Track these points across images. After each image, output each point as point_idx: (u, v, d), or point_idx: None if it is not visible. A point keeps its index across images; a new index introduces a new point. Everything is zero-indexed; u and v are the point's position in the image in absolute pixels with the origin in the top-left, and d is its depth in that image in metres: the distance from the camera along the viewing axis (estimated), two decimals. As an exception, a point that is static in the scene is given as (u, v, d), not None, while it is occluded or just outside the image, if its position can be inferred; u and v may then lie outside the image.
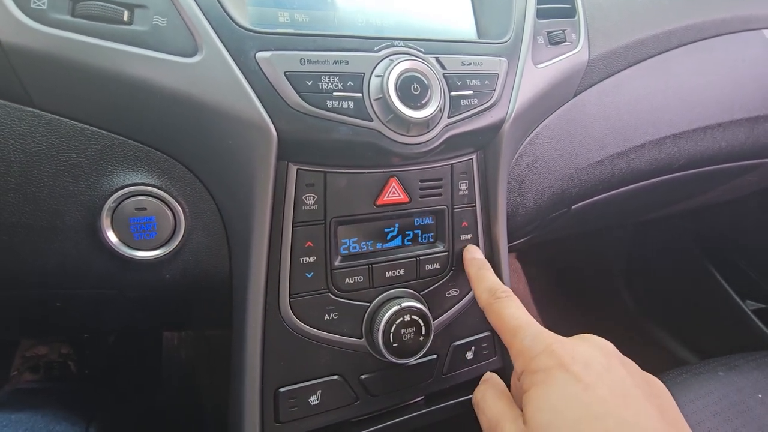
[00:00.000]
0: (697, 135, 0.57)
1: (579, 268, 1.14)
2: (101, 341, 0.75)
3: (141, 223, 0.31)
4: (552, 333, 0.29)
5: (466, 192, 0.38)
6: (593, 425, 0.23)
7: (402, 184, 0.35)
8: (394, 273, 0.36)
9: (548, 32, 0.42)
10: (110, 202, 0.30)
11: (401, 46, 0.33)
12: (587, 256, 1.11)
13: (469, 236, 0.39)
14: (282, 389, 0.34)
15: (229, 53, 0.29)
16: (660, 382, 0.28)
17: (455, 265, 0.39)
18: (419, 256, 0.37)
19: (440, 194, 0.37)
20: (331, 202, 0.33)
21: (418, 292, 0.38)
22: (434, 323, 0.37)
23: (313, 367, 0.35)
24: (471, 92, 0.34)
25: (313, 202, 0.33)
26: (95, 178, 0.30)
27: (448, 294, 0.39)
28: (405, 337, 0.35)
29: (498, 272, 0.41)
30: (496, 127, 0.37)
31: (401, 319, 0.35)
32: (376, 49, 0.32)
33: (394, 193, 0.35)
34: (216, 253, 0.34)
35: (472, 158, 0.38)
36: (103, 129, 0.30)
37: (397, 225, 0.37)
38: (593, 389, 0.25)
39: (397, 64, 0.31)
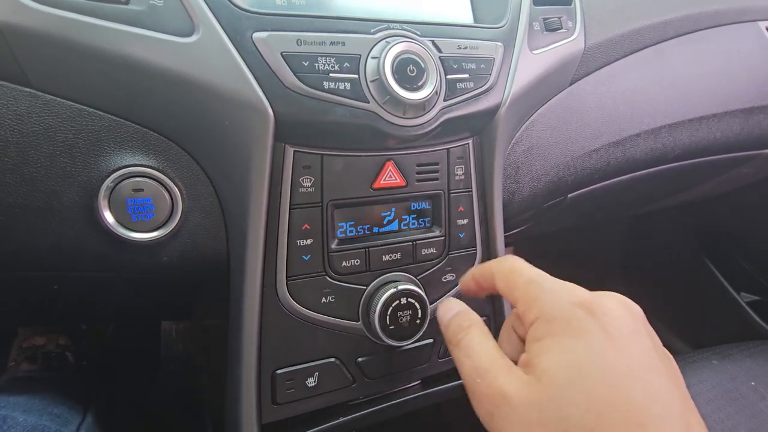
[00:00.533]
0: (692, 125, 0.58)
1: (575, 260, 1.14)
2: (99, 332, 0.75)
3: (138, 204, 0.31)
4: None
5: (463, 177, 0.39)
6: (616, 393, 0.21)
7: (398, 168, 0.36)
8: (390, 257, 0.37)
9: (544, 19, 0.42)
10: (107, 183, 0.30)
11: (397, 28, 0.33)
12: (583, 249, 1.12)
13: (465, 221, 0.40)
14: (279, 371, 0.35)
15: (226, 33, 0.29)
16: (673, 359, 0.25)
17: (451, 249, 0.39)
18: (415, 240, 0.38)
19: (436, 179, 0.37)
20: (327, 185, 0.33)
21: (415, 276, 0.38)
22: (430, 307, 0.37)
23: (311, 349, 0.35)
24: (467, 76, 0.35)
25: (310, 184, 0.33)
26: (92, 159, 0.30)
27: (445, 278, 0.39)
28: (401, 320, 0.35)
29: (494, 257, 0.42)
30: (491, 112, 0.37)
31: (397, 302, 0.35)
32: (372, 31, 0.32)
33: (390, 177, 0.36)
34: (213, 236, 0.34)
35: (468, 143, 0.38)
36: (100, 110, 0.30)
37: (393, 209, 0.37)
38: (622, 353, 0.22)
39: (393, 45, 0.31)
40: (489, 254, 0.42)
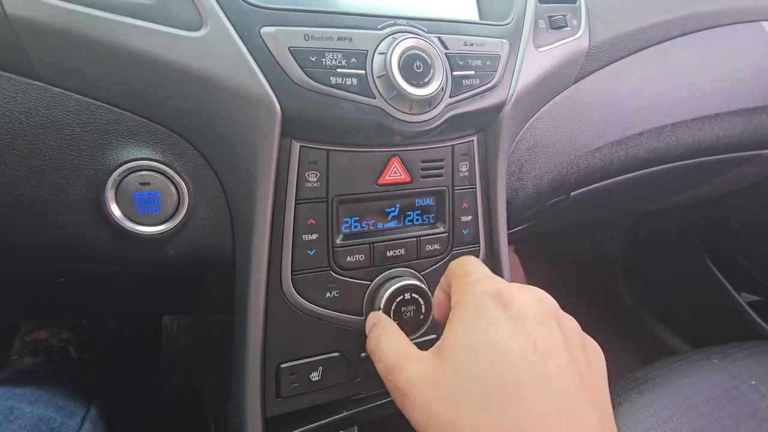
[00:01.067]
0: (695, 125, 0.58)
1: (576, 260, 1.15)
2: (101, 327, 0.75)
3: (145, 197, 0.31)
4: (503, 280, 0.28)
5: (467, 174, 0.39)
6: (507, 371, 0.22)
7: (403, 164, 0.36)
8: (394, 252, 0.37)
9: (549, 16, 0.42)
10: (114, 176, 0.30)
11: (404, 24, 0.33)
12: (585, 249, 1.12)
13: (469, 218, 0.40)
14: (283, 365, 0.35)
15: (234, 28, 0.29)
16: (598, 349, 0.27)
17: (455, 246, 0.39)
18: (420, 236, 0.38)
19: (441, 175, 0.38)
20: (333, 180, 0.34)
21: (419, 272, 0.38)
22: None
23: (315, 344, 0.36)
24: (473, 72, 0.35)
25: (315, 179, 0.33)
26: (100, 153, 0.30)
27: (448, 275, 0.40)
28: (405, 315, 0.36)
29: (498, 254, 0.42)
30: (497, 109, 0.37)
31: (402, 297, 0.35)
32: (379, 27, 0.32)
33: (395, 173, 0.36)
34: (219, 230, 0.34)
35: (472, 140, 0.39)
36: (107, 103, 0.30)
37: (398, 205, 0.37)
38: (521, 333, 0.24)
39: (400, 41, 0.31)
40: (492, 251, 0.42)
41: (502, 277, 0.42)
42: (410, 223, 0.38)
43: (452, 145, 0.37)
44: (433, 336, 0.39)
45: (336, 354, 0.36)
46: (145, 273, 0.38)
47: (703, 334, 0.95)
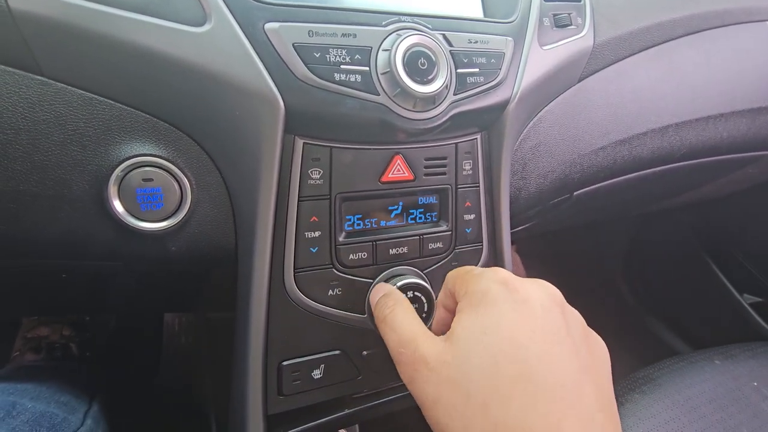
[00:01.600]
0: (699, 125, 0.57)
1: (578, 260, 1.14)
2: (102, 324, 0.75)
3: (148, 194, 0.31)
4: None
5: (470, 172, 0.39)
6: (516, 353, 0.23)
7: (407, 162, 0.36)
8: (397, 251, 0.37)
9: (554, 14, 0.42)
10: (117, 172, 0.30)
11: (409, 21, 0.33)
12: (586, 249, 1.12)
13: (472, 216, 0.40)
14: (285, 363, 0.35)
15: (238, 23, 0.29)
16: (602, 342, 0.28)
17: (458, 244, 0.39)
18: (422, 234, 0.38)
19: (444, 173, 0.37)
20: (336, 178, 0.34)
21: (421, 271, 0.38)
22: (436, 301, 0.37)
23: (317, 341, 0.36)
24: (477, 70, 0.35)
25: (318, 176, 0.33)
26: (102, 148, 0.30)
27: (451, 273, 0.40)
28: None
29: (500, 253, 0.42)
30: (501, 107, 0.37)
31: (404, 295, 0.35)
32: (383, 23, 0.32)
33: (398, 171, 0.36)
34: (222, 226, 0.34)
35: (476, 138, 0.38)
36: (110, 99, 0.30)
37: (401, 203, 0.37)
38: (527, 321, 0.25)
39: (405, 38, 0.31)
40: (495, 249, 0.42)
41: None
42: (413, 221, 0.38)
43: (456, 143, 0.37)
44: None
45: (338, 352, 0.36)
46: (147, 270, 0.38)
47: (705, 335, 0.94)
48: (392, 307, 0.30)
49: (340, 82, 0.30)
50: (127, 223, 0.31)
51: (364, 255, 0.36)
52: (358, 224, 0.36)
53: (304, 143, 0.32)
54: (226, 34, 0.29)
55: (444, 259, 0.39)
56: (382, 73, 0.31)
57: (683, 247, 0.96)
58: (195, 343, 0.74)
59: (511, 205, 0.43)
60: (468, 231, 0.40)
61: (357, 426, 0.43)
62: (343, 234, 0.35)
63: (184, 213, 0.32)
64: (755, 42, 0.60)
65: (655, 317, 1.02)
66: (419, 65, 0.31)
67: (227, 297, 0.37)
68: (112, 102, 0.30)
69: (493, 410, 0.22)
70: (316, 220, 0.34)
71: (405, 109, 0.32)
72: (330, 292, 0.35)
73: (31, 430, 0.34)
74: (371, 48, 0.31)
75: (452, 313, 0.29)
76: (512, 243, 0.44)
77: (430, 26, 0.33)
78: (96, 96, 0.29)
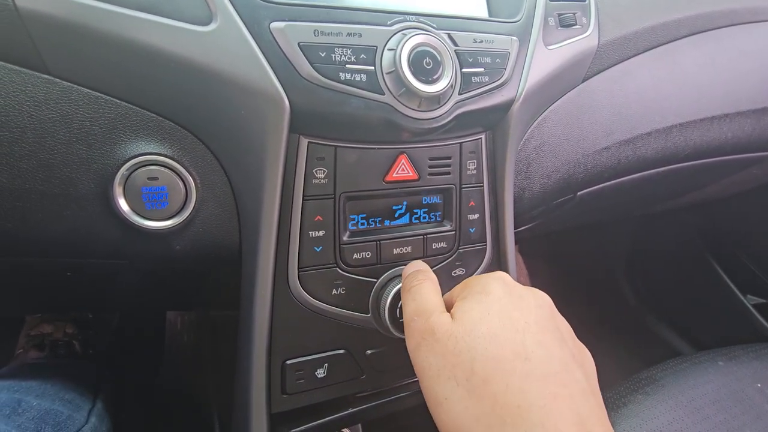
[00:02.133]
0: (703, 125, 0.57)
1: (580, 260, 1.14)
2: (105, 322, 0.76)
3: (153, 192, 0.31)
4: None
5: (474, 172, 0.39)
6: (514, 334, 0.26)
7: (411, 162, 0.36)
8: (401, 250, 0.37)
9: (559, 14, 0.42)
10: (123, 170, 0.30)
11: (414, 20, 0.33)
12: (589, 249, 1.12)
13: (476, 216, 0.40)
14: (289, 362, 0.35)
15: (244, 23, 0.29)
16: (589, 354, 0.30)
17: (462, 244, 0.39)
18: (426, 234, 0.38)
19: (449, 173, 0.37)
20: (341, 177, 0.34)
21: (425, 270, 0.38)
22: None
23: (320, 340, 0.36)
24: (482, 69, 0.35)
25: (323, 176, 0.33)
26: (108, 147, 0.30)
27: (455, 273, 0.40)
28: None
29: (504, 254, 0.42)
30: (505, 107, 0.37)
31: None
32: (389, 23, 0.32)
33: (403, 170, 0.36)
34: (226, 225, 0.34)
35: (480, 138, 0.38)
36: (116, 98, 0.30)
37: (405, 202, 0.37)
38: (521, 311, 0.27)
39: (410, 38, 0.31)
40: (499, 249, 0.42)
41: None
42: (417, 221, 0.38)
43: (460, 142, 0.37)
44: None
45: (342, 351, 0.36)
46: (152, 268, 0.38)
47: (708, 336, 0.94)
48: (421, 281, 0.32)
49: (345, 82, 0.30)
50: (132, 221, 0.31)
51: (368, 254, 0.36)
52: (362, 224, 0.36)
53: (309, 142, 0.32)
54: (232, 33, 0.29)
55: (448, 258, 0.39)
56: (387, 73, 0.31)
57: (686, 248, 0.96)
58: (198, 341, 0.74)
59: (515, 205, 0.43)
60: (472, 231, 0.40)
61: (360, 425, 0.43)
62: (348, 233, 0.35)
63: (189, 212, 0.32)
64: (760, 42, 0.60)
65: (658, 318, 1.02)
66: (424, 65, 0.31)
67: (231, 295, 0.37)
68: (118, 101, 0.30)
69: (493, 384, 0.24)
70: (321, 219, 0.34)
71: (410, 108, 0.32)
72: (334, 291, 0.35)
73: (37, 427, 0.34)
74: (376, 47, 0.31)
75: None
76: (516, 242, 0.44)
77: (435, 26, 0.33)
78: (102, 95, 0.30)
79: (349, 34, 0.30)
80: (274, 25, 0.29)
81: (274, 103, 0.30)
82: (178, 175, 0.31)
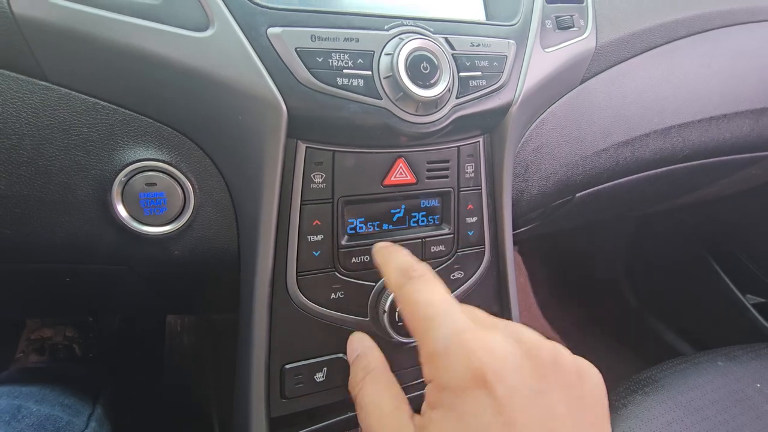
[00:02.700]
0: (702, 125, 0.57)
1: (580, 260, 1.14)
2: (105, 325, 0.76)
3: (151, 198, 0.31)
4: (478, 328, 0.23)
5: (473, 175, 0.39)
6: None
7: (409, 165, 0.36)
8: (399, 254, 0.37)
9: (556, 17, 0.42)
10: (121, 176, 0.30)
11: (411, 25, 0.33)
12: (588, 249, 1.12)
13: (475, 219, 0.40)
14: (288, 366, 0.35)
15: (241, 28, 0.29)
16: (596, 379, 0.24)
17: (460, 247, 0.39)
18: (425, 237, 0.38)
19: (447, 176, 0.37)
20: (339, 181, 0.34)
21: (424, 274, 0.38)
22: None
23: (319, 344, 0.36)
24: (479, 73, 0.35)
25: (321, 180, 0.33)
26: (106, 153, 0.30)
27: (453, 276, 0.40)
28: (404, 319, 0.35)
29: (503, 256, 0.42)
30: (503, 110, 0.37)
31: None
32: (386, 27, 0.32)
33: (401, 174, 0.36)
34: (225, 230, 0.34)
35: (478, 141, 0.38)
36: (114, 104, 0.30)
37: (403, 206, 0.37)
38: (513, 427, 0.20)
39: (407, 42, 0.31)
40: (497, 252, 0.42)
41: (507, 280, 0.42)
42: (415, 225, 0.38)
43: (458, 146, 0.37)
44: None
45: (340, 355, 0.36)
46: (151, 273, 0.38)
47: (708, 336, 0.94)
48: (362, 381, 0.26)
49: (342, 87, 0.30)
50: (131, 227, 0.31)
51: (367, 258, 0.36)
52: (361, 227, 0.36)
53: (306, 147, 0.32)
54: (229, 39, 0.29)
55: (446, 262, 0.39)
56: (384, 77, 0.31)
57: (686, 248, 0.96)
58: (198, 344, 0.74)
59: (514, 207, 0.43)
60: (470, 234, 0.40)
61: (360, 429, 0.43)
62: (346, 237, 0.35)
63: (187, 217, 0.32)
64: (758, 42, 0.60)
65: (658, 318, 1.02)
66: (421, 69, 0.31)
67: (230, 300, 0.37)
68: (116, 107, 0.30)
69: None
70: (319, 223, 0.34)
71: (407, 113, 0.32)
72: (332, 295, 0.35)
73: (36, 432, 0.34)
74: (373, 52, 0.31)
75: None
76: (515, 244, 0.44)
77: (432, 30, 0.33)
78: (99, 101, 0.30)
79: (346, 39, 0.30)
80: (271, 30, 0.29)
81: (271, 108, 0.30)
82: (176, 180, 0.32)
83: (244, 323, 0.34)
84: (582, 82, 0.47)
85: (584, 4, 0.45)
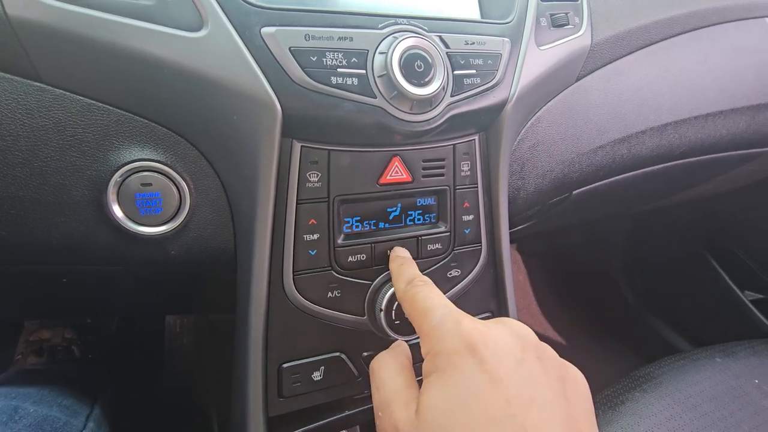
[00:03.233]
0: (698, 122, 0.57)
1: (578, 258, 1.14)
2: (104, 326, 0.76)
3: (147, 198, 0.31)
4: (469, 316, 0.26)
5: (468, 173, 0.39)
6: (489, 427, 0.21)
7: (405, 164, 0.36)
8: (396, 252, 0.37)
9: (551, 14, 0.42)
10: (116, 177, 0.30)
11: (405, 23, 0.33)
12: (586, 247, 1.12)
13: (471, 217, 0.40)
14: (285, 365, 0.35)
15: (235, 28, 0.29)
16: (579, 375, 0.25)
17: (457, 245, 0.39)
18: (421, 235, 0.38)
19: (442, 174, 0.37)
20: (334, 180, 0.34)
21: (421, 272, 0.38)
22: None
23: (316, 343, 0.36)
24: (474, 71, 0.35)
25: (317, 179, 0.33)
26: (101, 153, 0.30)
27: (450, 274, 0.40)
28: (405, 313, 0.35)
29: (499, 254, 0.42)
30: (498, 108, 0.37)
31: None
32: (380, 26, 0.32)
33: (396, 173, 0.36)
34: (221, 230, 0.34)
35: (474, 139, 0.38)
36: (109, 104, 0.30)
37: (399, 204, 0.37)
38: (499, 386, 0.22)
39: (401, 41, 0.31)
40: (494, 250, 0.42)
41: (504, 278, 0.42)
42: (411, 223, 0.38)
43: (453, 144, 0.37)
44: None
45: (337, 354, 0.36)
46: (149, 273, 0.38)
47: (706, 332, 0.95)
48: (382, 362, 0.29)
49: (336, 86, 0.30)
50: (127, 227, 0.31)
51: (363, 257, 0.36)
52: (357, 226, 0.36)
53: (301, 146, 0.32)
54: (223, 38, 0.29)
55: (443, 260, 0.39)
56: (378, 76, 0.31)
57: (684, 245, 0.96)
58: (196, 344, 0.74)
59: (510, 205, 0.43)
60: (467, 232, 0.40)
61: (358, 427, 0.43)
62: (342, 236, 0.35)
63: (183, 217, 0.32)
64: (754, 39, 0.60)
65: (656, 315, 1.02)
66: (416, 68, 0.31)
67: (227, 299, 0.37)
68: (110, 107, 0.30)
69: None
70: (315, 222, 0.34)
71: (402, 111, 0.32)
72: (329, 294, 0.35)
73: (34, 433, 0.34)
74: (368, 51, 0.31)
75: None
76: (511, 242, 0.44)
77: (426, 28, 0.33)
78: (94, 102, 0.30)
79: (340, 38, 0.31)
80: (265, 30, 0.29)
81: (266, 107, 0.30)
82: (172, 180, 0.32)
83: (241, 322, 0.34)
84: (578, 80, 0.47)
85: (579, 1, 0.45)
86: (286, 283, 0.34)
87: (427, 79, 0.32)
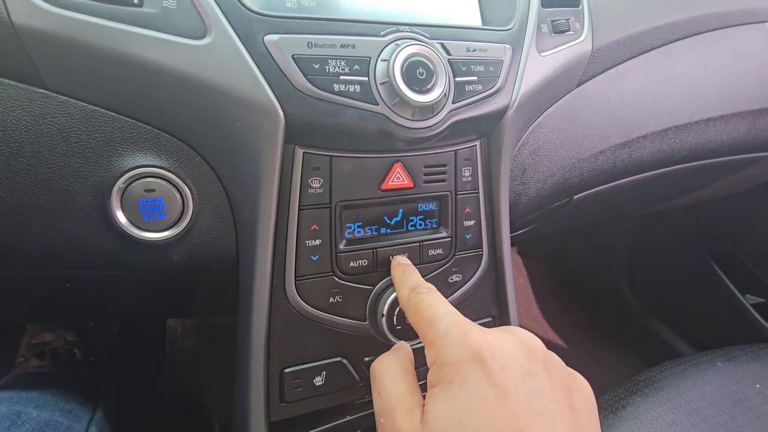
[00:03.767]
0: (699, 127, 0.58)
1: (579, 262, 1.14)
2: (106, 329, 0.76)
3: (150, 204, 0.31)
4: (475, 324, 0.26)
5: (470, 178, 0.39)
6: None
7: (406, 170, 0.36)
8: (397, 257, 0.37)
9: (552, 21, 0.42)
10: (120, 183, 0.31)
11: (407, 31, 0.33)
12: (588, 250, 1.12)
13: (472, 222, 0.40)
14: (287, 370, 0.35)
15: (238, 36, 0.29)
16: (585, 384, 0.25)
17: (458, 251, 0.39)
18: (422, 241, 0.38)
19: (444, 180, 0.38)
20: (336, 186, 0.34)
21: (422, 277, 0.38)
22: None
23: (318, 349, 0.36)
24: (475, 78, 0.35)
25: (319, 185, 0.33)
26: (105, 160, 0.30)
27: (451, 279, 0.40)
28: (408, 321, 0.36)
29: (500, 259, 0.42)
30: (499, 114, 0.37)
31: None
32: (382, 33, 0.32)
33: (398, 178, 0.36)
34: (223, 236, 0.34)
35: (475, 145, 0.39)
36: (113, 111, 0.30)
37: (401, 210, 0.37)
38: (506, 399, 0.22)
39: (403, 48, 0.31)
40: (495, 255, 0.42)
41: (505, 283, 0.42)
42: (413, 228, 0.38)
43: (455, 150, 0.38)
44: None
45: (339, 359, 0.36)
46: (151, 278, 0.38)
47: (707, 336, 0.94)
48: (383, 364, 0.28)
49: (339, 93, 0.31)
50: (130, 233, 0.31)
51: (365, 262, 0.36)
52: (359, 232, 0.36)
53: (304, 153, 0.32)
54: (227, 46, 0.29)
55: (444, 265, 0.39)
56: (380, 83, 0.31)
57: (685, 248, 0.96)
58: (198, 347, 0.75)
59: (511, 210, 0.43)
60: (468, 237, 0.40)
61: None
62: (344, 242, 0.35)
63: (186, 223, 0.32)
64: (755, 43, 0.60)
65: (657, 318, 1.02)
66: (418, 75, 0.31)
67: (229, 303, 0.37)
68: (114, 114, 0.30)
69: None
70: (317, 228, 0.34)
71: (404, 118, 0.32)
72: (331, 299, 0.35)
73: (36, 438, 0.34)
74: (370, 58, 0.31)
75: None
76: (513, 245, 0.44)
77: (428, 35, 0.34)
78: (98, 108, 0.30)
79: (342, 46, 0.31)
80: (268, 38, 0.29)
81: (269, 114, 0.30)
82: (175, 186, 0.32)
83: (243, 327, 0.35)
84: (578, 85, 0.47)
85: (580, 7, 0.46)
86: (288, 288, 0.34)
87: (428, 86, 0.32)
